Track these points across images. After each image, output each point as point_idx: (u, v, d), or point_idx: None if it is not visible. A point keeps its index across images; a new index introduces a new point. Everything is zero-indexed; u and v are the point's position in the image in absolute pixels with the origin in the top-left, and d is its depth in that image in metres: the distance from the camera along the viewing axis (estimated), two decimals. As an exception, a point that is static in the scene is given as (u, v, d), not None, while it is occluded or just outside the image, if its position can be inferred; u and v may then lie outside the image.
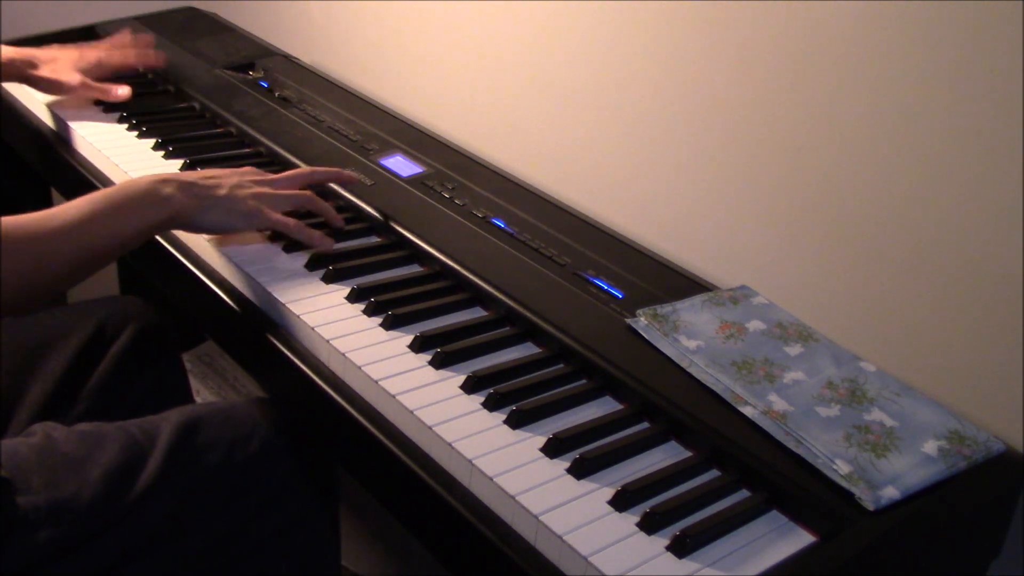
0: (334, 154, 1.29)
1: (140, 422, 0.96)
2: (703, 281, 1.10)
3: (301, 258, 1.06)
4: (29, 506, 0.84)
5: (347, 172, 1.19)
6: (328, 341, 0.92)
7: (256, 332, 0.99)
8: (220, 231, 1.04)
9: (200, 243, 1.08)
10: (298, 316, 0.96)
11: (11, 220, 0.88)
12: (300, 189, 1.11)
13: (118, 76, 1.43)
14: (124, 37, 1.48)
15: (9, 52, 1.36)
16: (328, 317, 0.96)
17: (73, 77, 1.35)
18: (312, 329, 0.94)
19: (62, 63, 1.36)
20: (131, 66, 1.46)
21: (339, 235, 1.12)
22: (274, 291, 0.99)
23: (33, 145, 1.39)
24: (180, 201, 0.98)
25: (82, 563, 0.86)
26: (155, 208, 0.97)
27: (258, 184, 1.07)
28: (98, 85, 1.38)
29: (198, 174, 1.05)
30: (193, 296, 1.10)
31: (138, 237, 0.97)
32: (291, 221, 1.06)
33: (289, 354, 0.95)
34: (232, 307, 1.02)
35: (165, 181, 0.99)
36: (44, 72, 1.35)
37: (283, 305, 0.98)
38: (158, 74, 1.53)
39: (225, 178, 1.05)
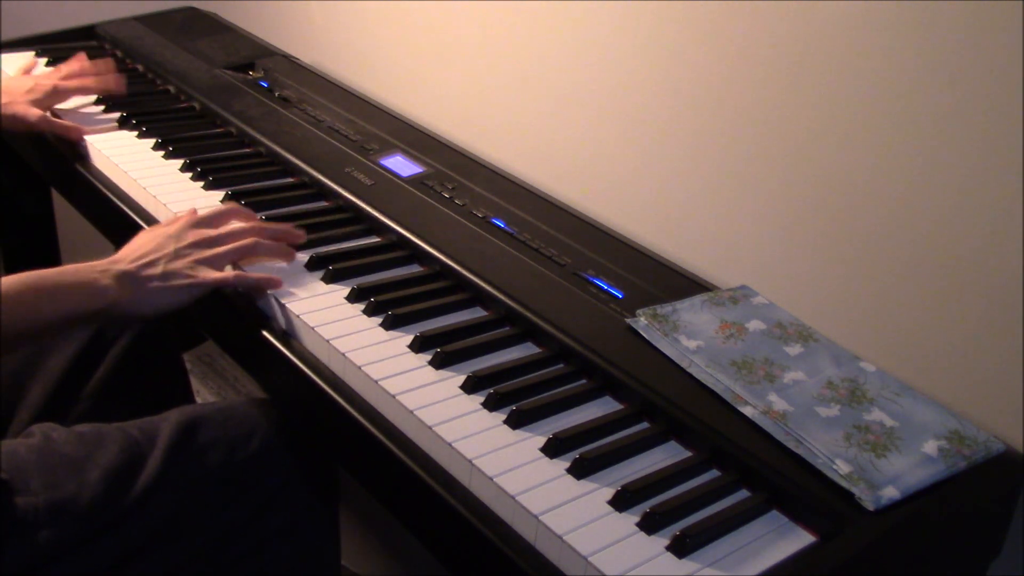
0: (334, 154, 1.29)
1: (140, 422, 0.96)
2: (703, 281, 1.10)
3: (301, 258, 1.06)
4: (28, 507, 0.84)
5: (296, 232, 1.08)
6: (328, 341, 0.92)
7: (256, 332, 0.99)
8: (164, 313, 0.99)
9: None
10: (298, 316, 0.96)
11: None
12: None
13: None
14: (80, 62, 1.39)
15: None
16: (328, 317, 0.96)
17: (31, 112, 1.29)
18: (312, 329, 0.94)
19: (16, 95, 1.30)
20: (90, 92, 1.40)
21: (339, 235, 1.12)
22: (274, 292, 0.99)
23: (33, 145, 1.39)
24: (115, 293, 0.93)
25: (82, 564, 0.86)
26: (87, 297, 0.93)
27: (197, 247, 1.00)
28: (60, 122, 1.30)
29: (133, 253, 0.98)
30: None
31: (65, 324, 0.93)
32: (230, 276, 1.00)
33: (289, 354, 0.95)
34: (232, 307, 1.02)
35: (103, 271, 0.94)
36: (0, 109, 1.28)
37: (283, 305, 0.98)
38: (158, 74, 1.53)
39: (161, 251, 0.99)
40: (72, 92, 1.37)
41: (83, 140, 1.30)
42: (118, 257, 0.98)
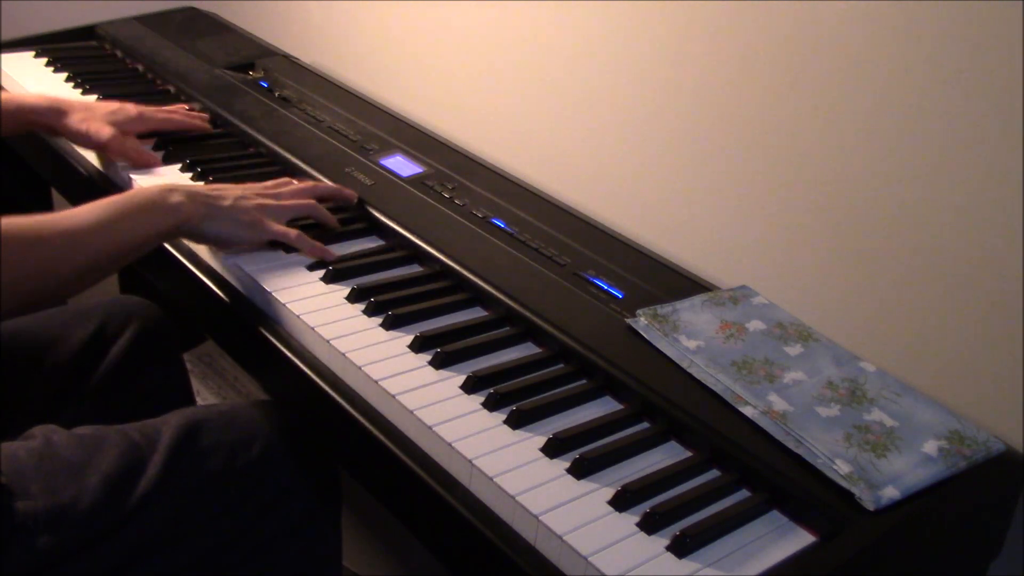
0: (334, 154, 1.29)
1: (140, 426, 0.96)
2: (703, 281, 1.10)
3: (302, 259, 1.06)
4: (28, 512, 0.84)
5: (348, 191, 1.18)
6: (328, 341, 0.92)
7: (256, 332, 0.99)
8: (224, 242, 1.05)
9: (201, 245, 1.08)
10: (298, 316, 0.96)
11: (17, 221, 0.87)
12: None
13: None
14: (177, 107, 1.38)
15: (33, 100, 1.26)
16: (328, 317, 0.96)
17: (103, 130, 1.23)
18: (312, 329, 0.94)
19: (95, 114, 1.25)
20: (174, 128, 1.32)
21: (339, 235, 1.12)
22: (274, 291, 0.99)
23: (33, 145, 1.39)
24: (187, 209, 0.99)
25: (82, 570, 0.86)
26: (163, 215, 0.98)
27: (262, 196, 1.08)
28: (131, 145, 1.24)
29: (203, 186, 1.07)
30: (194, 296, 1.10)
31: (145, 244, 0.98)
32: (292, 232, 1.06)
33: (289, 354, 0.95)
34: (232, 307, 1.02)
35: (172, 190, 1.00)
36: (74, 123, 1.23)
37: (283, 305, 0.98)
38: (158, 74, 1.53)
39: (229, 191, 1.06)
40: (159, 121, 1.30)
41: (148, 163, 1.24)
42: (186, 183, 1.04)
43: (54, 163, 1.35)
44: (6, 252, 0.84)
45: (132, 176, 1.20)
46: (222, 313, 1.04)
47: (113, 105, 1.29)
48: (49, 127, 1.25)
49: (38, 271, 0.88)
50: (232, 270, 1.04)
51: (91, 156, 1.29)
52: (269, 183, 1.13)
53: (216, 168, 1.24)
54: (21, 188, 1.68)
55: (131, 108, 1.28)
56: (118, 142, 1.23)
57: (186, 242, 1.10)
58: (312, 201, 1.12)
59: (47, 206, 1.75)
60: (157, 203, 0.98)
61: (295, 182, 1.15)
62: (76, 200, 1.36)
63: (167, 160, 1.26)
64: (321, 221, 1.12)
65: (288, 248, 1.07)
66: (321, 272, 1.04)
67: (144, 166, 1.24)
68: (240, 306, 1.02)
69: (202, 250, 1.08)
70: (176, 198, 0.99)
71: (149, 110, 1.30)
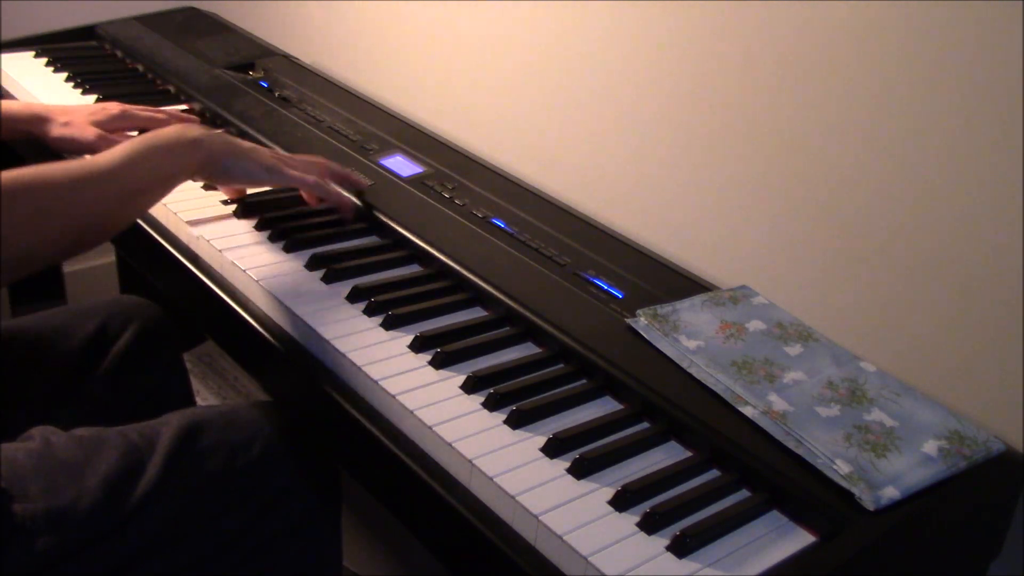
0: (334, 154, 1.29)
1: (140, 427, 0.95)
2: (703, 281, 1.10)
3: (301, 258, 1.06)
4: (27, 514, 0.84)
5: (360, 177, 1.19)
6: (328, 341, 0.92)
7: (255, 332, 0.99)
8: (245, 179, 1.07)
9: (201, 244, 1.08)
10: (298, 316, 0.96)
11: (52, 167, 0.88)
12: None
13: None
14: (171, 109, 1.38)
15: (14, 109, 1.24)
16: (328, 317, 0.96)
17: (87, 132, 1.22)
18: (312, 329, 0.94)
19: (77, 117, 1.24)
20: (159, 123, 1.29)
21: (339, 235, 1.12)
22: (274, 292, 0.99)
23: (33, 146, 1.39)
24: (211, 144, 1.02)
25: (81, 570, 0.85)
26: (186, 151, 1.00)
27: (276, 157, 1.10)
28: (119, 139, 1.22)
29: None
30: (194, 297, 1.10)
31: (172, 180, 1.00)
32: (310, 177, 1.09)
33: (289, 355, 0.95)
34: (232, 307, 1.02)
35: (193, 127, 1.03)
36: (56, 129, 1.22)
37: (283, 305, 0.97)
38: (158, 74, 1.53)
39: (245, 141, 1.09)
40: (143, 118, 1.28)
41: None
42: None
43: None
44: (39, 200, 0.85)
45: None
46: (221, 313, 1.04)
47: (94, 106, 1.28)
48: (33, 136, 1.24)
49: (79, 212, 0.89)
50: (232, 271, 1.04)
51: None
52: (281, 152, 1.15)
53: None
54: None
55: (113, 107, 1.28)
56: (105, 143, 1.21)
57: (187, 242, 1.10)
58: (325, 161, 1.15)
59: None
60: (180, 139, 1.00)
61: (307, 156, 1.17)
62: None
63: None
64: (326, 197, 1.13)
65: (288, 247, 1.07)
66: (321, 272, 1.04)
67: None
68: (240, 307, 1.02)
69: (203, 251, 1.08)
70: (197, 133, 1.02)
71: (132, 108, 1.29)
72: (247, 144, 1.07)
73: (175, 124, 1.04)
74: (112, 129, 1.25)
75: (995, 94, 0.89)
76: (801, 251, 1.07)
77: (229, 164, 1.04)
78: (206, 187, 1.18)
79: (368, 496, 0.91)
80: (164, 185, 0.99)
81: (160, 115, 1.32)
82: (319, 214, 1.17)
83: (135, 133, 1.26)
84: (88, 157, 0.94)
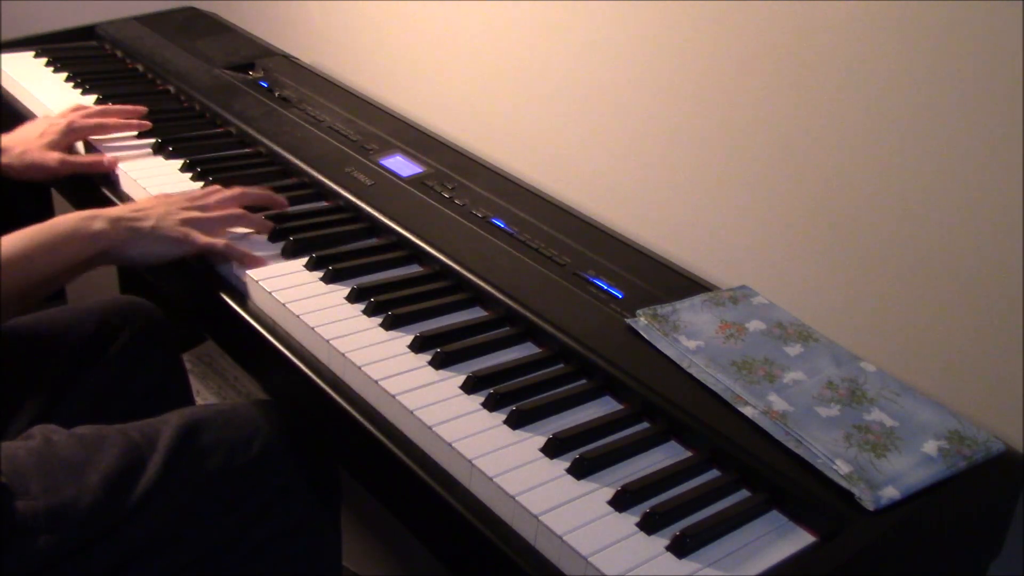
0: (334, 154, 1.29)
1: (140, 425, 0.96)
2: (703, 281, 1.10)
3: (301, 259, 1.06)
4: (28, 512, 0.84)
5: (278, 197, 1.15)
6: (328, 341, 0.92)
7: (255, 332, 0.99)
8: (152, 261, 1.03)
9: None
10: (298, 316, 0.96)
11: None
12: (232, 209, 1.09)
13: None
14: (105, 106, 1.35)
15: None
16: (328, 317, 0.96)
17: (47, 156, 1.20)
18: (312, 329, 0.94)
19: (30, 143, 1.22)
20: (109, 131, 1.29)
21: (338, 235, 1.12)
22: (274, 292, 0.99)
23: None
24: (109, 236, 0.98)
25: (81, 568, 0.86)
26: (83, 245, 0.97)
27: (187, 209, 1.05)
28: (82, 159, 1.23)
29: (126, 207, 1.04)
30: (192, 296, 1.10)
31: (68, 274, 0.97)
32: (219, 243, 1.04)
33: (289, 354, 0.95)
34: (232, 307, 1.02)
35: (93, 217, 0.99)
36: (13, 159, 1.20)
37: (283, 305, 0.97)
38: (158, 74, 1.53)
39: (153, 209, 1.04)
40: (89, 130, 1.27)
41: (116, 170, 1.23)
42: (108, 208, 1.02)
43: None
44: None
45: (121, 169, 1.21)
46: (221, 313, 1.04)
47: (42, 126, 1.25)
48: None
49: None
50: (232, 269, 1.04)
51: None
52: (196, 192, 1.10)
53: (216, 168, 1.24)
54: (21, 188, 1.68)
55: (59, 123, 1.25)
56: (66, 165, 1.21)
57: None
58: (239, 210, 1.09)
59: (47, 207, 1.75)
60: (78, 232, 0.97)
61: (223, 191, 1.11)
62: (76, 203, 1.37)
63: (168, 157, 1.27)
64: (251, 229, 1.09)
65: (286, 251, 1.07)
66: (321, 272, 1.04)
67: (107, 170, 1.22)
68: (239, 306, 1.02)
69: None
70: (98, 225, 0.98)
71: (77, 118, 1.26)
72: (151, 221, 1.01)
73: (75, 214, 0.99)
74: (66, 146, 1.25)
75: (995, 94, 0.88)
76: (801, 251, 1.07)
77: (132, 252, 1.00)
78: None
79: (368, 496, 0.91)
80: (56, 279, 0.97)
81: (108, 120, 1.29)
82: (317, 214, 1.17)
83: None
84: None
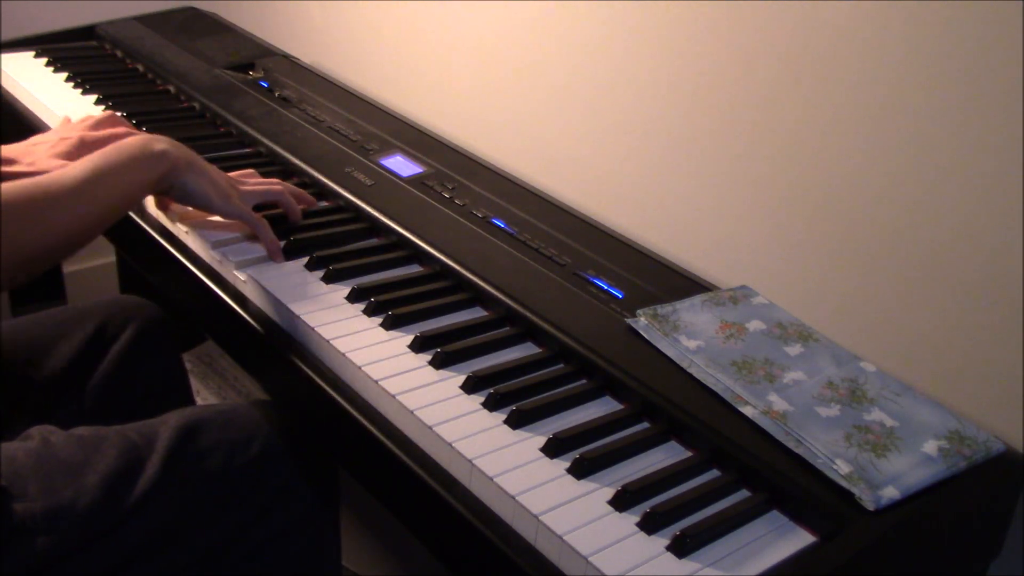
0: (334, 154, 1.29)
1: (139, 426, 0.95)
2: (703, 281, 1.10)
3: (301, 259, 1.06)
4: (26, 513, 0.84)
5: (309, 196, 1.18)
6: (328, 341, 0.92)
7: (255, 332, 0.99)
8: (200, 200, 1.04)
9: (201, 244, 1.08)
10: (298, 316, 0.96)
11: (13, 185, 0.87)
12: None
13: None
14: (112, 114, 1.30)
15: None
16: (328, 317, 0.96)
17: (53, 165, 1.17)
18: (312, 329, 0.94)
19: (40, 155, 1.19)
20: (120, 138, 1.25)
21: (338, 235, 1.12)
22: (274, 292, 0.99)
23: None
24: (174, 156, 1.00)
25: (80, 570, 0.86)
26: (151, 164, 0.98)
27: (231, 179, 1.09)
28: None
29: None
30: (193, 296, 1.10)
31: (141, 192, 0.99)
32: (256, 216, 1.06)
33: (288, 354, 0.95)
34: (232, 307, 1.02)
35: (156, 139, 1.01)
36: (23, 168, 1.16)
37: (283, 304, 0.97)
38: (158, 74, 1.53)
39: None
40: (102, 143, 1.20)
41: None
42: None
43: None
44: None
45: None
46: (221, 313, 1.04)
47: (54, 138, 1.21)
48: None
49: (40, 232, 0.88)
50: (232, 271, 1.04)
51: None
52: (234, 173, 1.13)
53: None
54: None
55: (73, 136, 1.19)
56: None
57: (186, 241, 1.10)
58: (280, 189, 1.12)
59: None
60: (144, 152, 0.98)
61: (259, 177, 1.14)
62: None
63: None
64: (286, 209, 1.12)
65: (287, 249, 1.07)
66: (321, 272, 1.04)
67: None
68: (240, 306, 1.02)
69: (201, 250, 1.08)
70: (161, 146, 1.00)
71: (90, 135, 1.20)
72: (209, 165, 1.05)
73: (137, 136, 1.02)
74: (76, 159, 1.18)
75: (995, 94, 0.89)
76: (801, 251, 1.07)
77: (188, 181, 1.02)
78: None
79: (368, 496, 0.91)
80: (127, 202, 0.98)
81: (119, 130, 1.24)
82: (317, 214, 1.17)
83: None
84: (50, 175, 0.92)
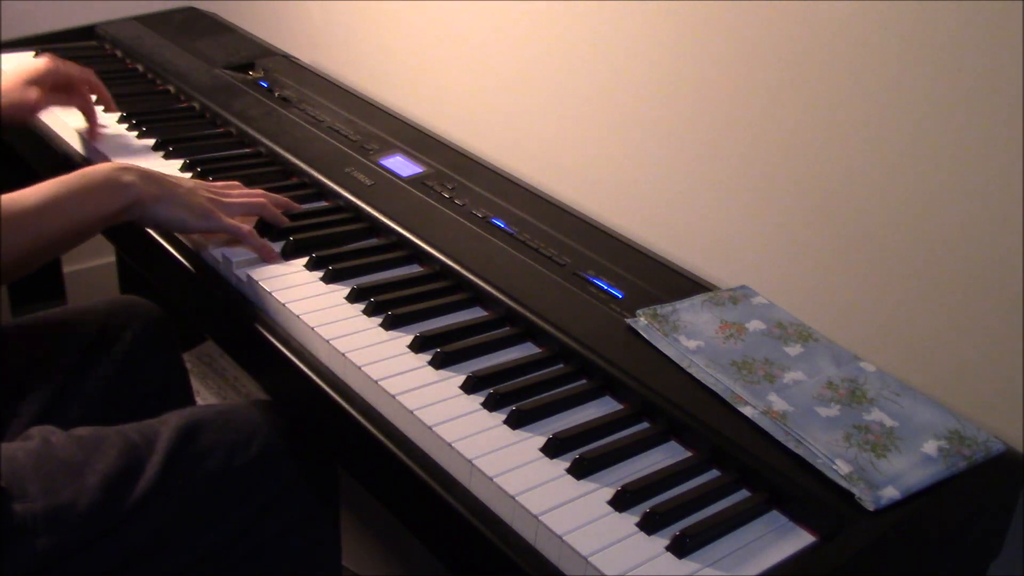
0: (334, 154, 1.29)
1: (139, 426, 0.95)
2: (703, 281, 1.10)
3: (301, 259, 1.06)
4: (27, 514, 0.84)
5: (293, 203, 1.15)
6: (328, 341, 0.92)
7: (255, 332, 0.99)
8: (175, 227, 1.04)
9: (200, 244, 1.08)
10: (298, 316, 0.96)
11: None
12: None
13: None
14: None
15: None
16: (328, 317, 0.96)
17: (29, 92, 1.22)
18: (312, 329, 0.94)
19: (11, 82, 1.23)
20: (81, 80, 1.31)
21: (338, 235, 1.12)
22: (275, 291, 0.99)
23: (33, 145, 1.39)
24: (140, 190, 0.98)
25: (80, 569, 0.86)
26: (116, 195, 0.97)
27: (212, 193, 1.07)
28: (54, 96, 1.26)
29: (158, 172, 1.05)
30: (193, 296, 1.10)
31: (97, 224, 0.97)
32: (244, 227, 1.05)
33: (289, 354, 0.95)
34: (232, 307, 1.02)
35: (126, 169, 0.99)
36: None
37: (283, 305, 0.97)
38: (158, 74, 1.53)
39: (181, 180, 1.05)
40: (71, 75, 1.29)
41: (97, 127, 1.29)
42: (140, 167, 1.03)
43: (55, 164, 1.35)
44: None
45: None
46: (221, 313, 1.04)
47: (23, 66, 1.25)
48: None
49: None
50: (232, 268, 1.04)
51: (92, 158, 1.29)
52: (218, 184, 1.11)
53: (216, 168, 1.24)
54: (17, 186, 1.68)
55: (41, 65, 1.26)
56: (45, 102, 1.25)
57: (185, 242, 1.10)
58: (262, 199, 1.10)
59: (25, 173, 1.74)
60: (109, 182, 0.97)
61: (244, 188, 1.12)
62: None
63: (167, 157, 1.27)
64: (270, 220, 1.10)
65: (286, 250, 1.07)
66: (321, 272, 1.04)
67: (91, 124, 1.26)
68: (240, 307, 1.02)
69: (202, 251, 1.08)
70: (129, 177, 0.98)
71: (59, 63, 1.27)
72: (181, 188, 1.02)
73: (105, 165, 0.99)
74: (50, 84, 1.26)
75: (995, 94, 0.88)
76: (801, 251, 1.07)
77: (158, 211, 1.00)
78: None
79: (368, 496, 0.91)
80: (85, 230, 0.96)
81: (76, 72, 1.30)
82: (317, 214, 1.17)
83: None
84: (11, 194, 0.90)
